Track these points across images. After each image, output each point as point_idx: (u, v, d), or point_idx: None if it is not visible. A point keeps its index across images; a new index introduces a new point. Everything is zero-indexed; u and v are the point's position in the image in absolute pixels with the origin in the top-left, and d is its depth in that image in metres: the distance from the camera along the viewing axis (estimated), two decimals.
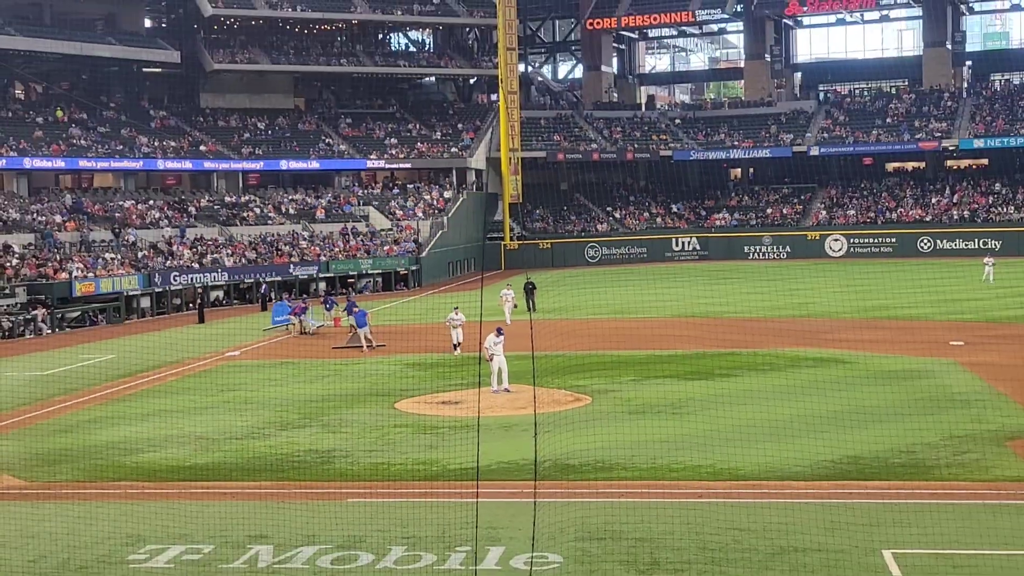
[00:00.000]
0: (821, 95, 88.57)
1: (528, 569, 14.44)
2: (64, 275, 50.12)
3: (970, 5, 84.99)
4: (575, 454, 20.21)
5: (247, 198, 69.27)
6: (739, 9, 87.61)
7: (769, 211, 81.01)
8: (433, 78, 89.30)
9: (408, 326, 41.95)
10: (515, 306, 43.25)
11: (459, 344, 34.93)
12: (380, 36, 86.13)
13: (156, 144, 68.35)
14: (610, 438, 21.13)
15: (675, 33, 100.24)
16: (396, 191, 75.70)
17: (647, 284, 53.38)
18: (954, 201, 76.74)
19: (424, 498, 18.13)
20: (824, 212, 79.09)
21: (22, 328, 45.46)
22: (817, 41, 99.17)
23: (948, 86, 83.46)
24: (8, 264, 49.80)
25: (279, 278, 58.36)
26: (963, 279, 52.51)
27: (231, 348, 38.76)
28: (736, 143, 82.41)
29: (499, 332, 28.11)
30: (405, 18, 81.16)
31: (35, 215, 57.62)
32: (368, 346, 37.33)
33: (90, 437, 24.04)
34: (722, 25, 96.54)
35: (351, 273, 62.06)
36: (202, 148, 70.77)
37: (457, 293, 56.92)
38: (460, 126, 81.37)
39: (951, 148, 77.63)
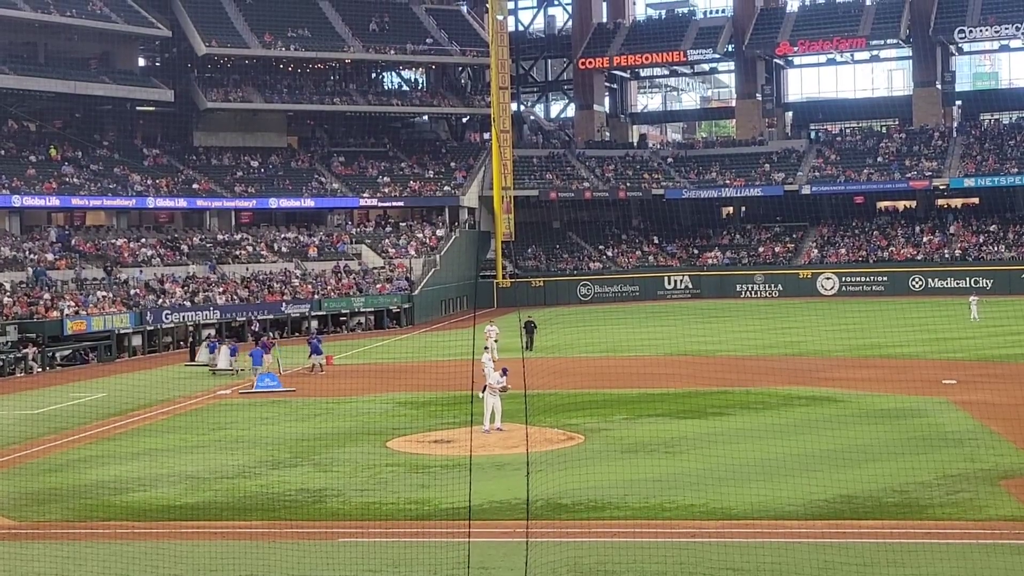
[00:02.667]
0: (812, 134, 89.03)
1: None
2: (55, 313, 49.98)
3: (960, 46, 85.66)
4: (568, 493, 20.10)
5: (240, 236, 69.29)
6: (730, 49, 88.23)
7: (761, 249, 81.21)
8: (426, 117, 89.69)
9: (400, 364, 41.83)
10: (496, 341, 42.98)
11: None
12: (373, 75, 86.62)
13: (149, 182, 68.40)
14: (603, 477, 21.05)
15: (667, 72, 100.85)
16: (389, 229, 75.80)
17: (639, 322, 53.49)
18: (949, 234, 77.01)
19: (416, 538, 18.01)
20: (816, 250, 79.31)
21: (13, 367, 45.27)
22: (808, 81, 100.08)
23: (938, 125, 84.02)
24: None
25: (271, 316, 58.28)
26: (955, 318, 52.57)
27: (222, 387, 38.61)
28: (728, 182, 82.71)
29: (504, 372, 27.80)
30: (398, 57, 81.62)
31: (27, 253, 57.56)
32: (240, 390, 36.11)
33: (80, 476, 23.88)
34: (713, 65, 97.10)
35: (343, 311, 61.96)
36: (195, 186, 70.86)
37: (449, 331, 56.86)
38: (453, 164, 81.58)
39: (942, 187, 77.97)
